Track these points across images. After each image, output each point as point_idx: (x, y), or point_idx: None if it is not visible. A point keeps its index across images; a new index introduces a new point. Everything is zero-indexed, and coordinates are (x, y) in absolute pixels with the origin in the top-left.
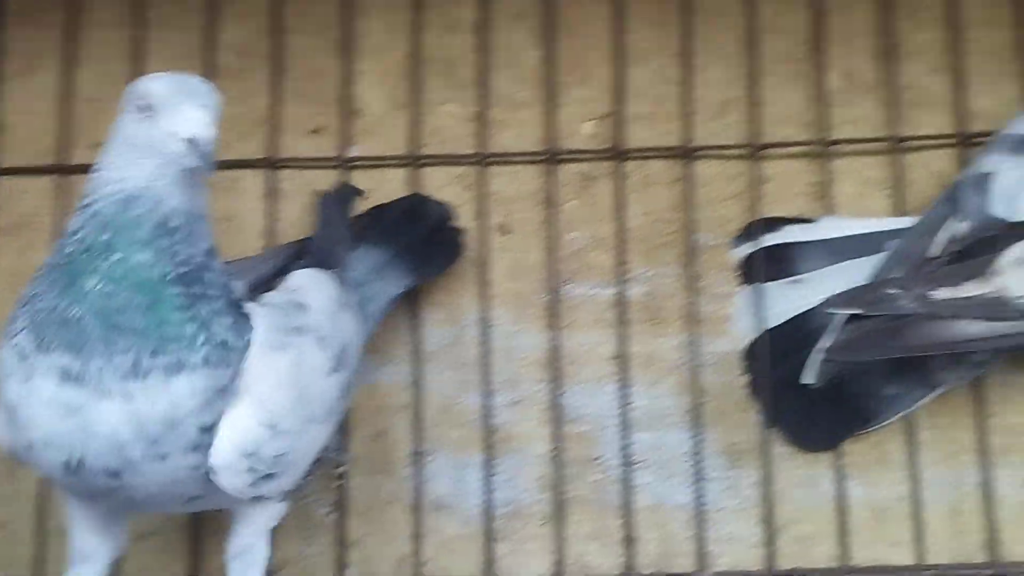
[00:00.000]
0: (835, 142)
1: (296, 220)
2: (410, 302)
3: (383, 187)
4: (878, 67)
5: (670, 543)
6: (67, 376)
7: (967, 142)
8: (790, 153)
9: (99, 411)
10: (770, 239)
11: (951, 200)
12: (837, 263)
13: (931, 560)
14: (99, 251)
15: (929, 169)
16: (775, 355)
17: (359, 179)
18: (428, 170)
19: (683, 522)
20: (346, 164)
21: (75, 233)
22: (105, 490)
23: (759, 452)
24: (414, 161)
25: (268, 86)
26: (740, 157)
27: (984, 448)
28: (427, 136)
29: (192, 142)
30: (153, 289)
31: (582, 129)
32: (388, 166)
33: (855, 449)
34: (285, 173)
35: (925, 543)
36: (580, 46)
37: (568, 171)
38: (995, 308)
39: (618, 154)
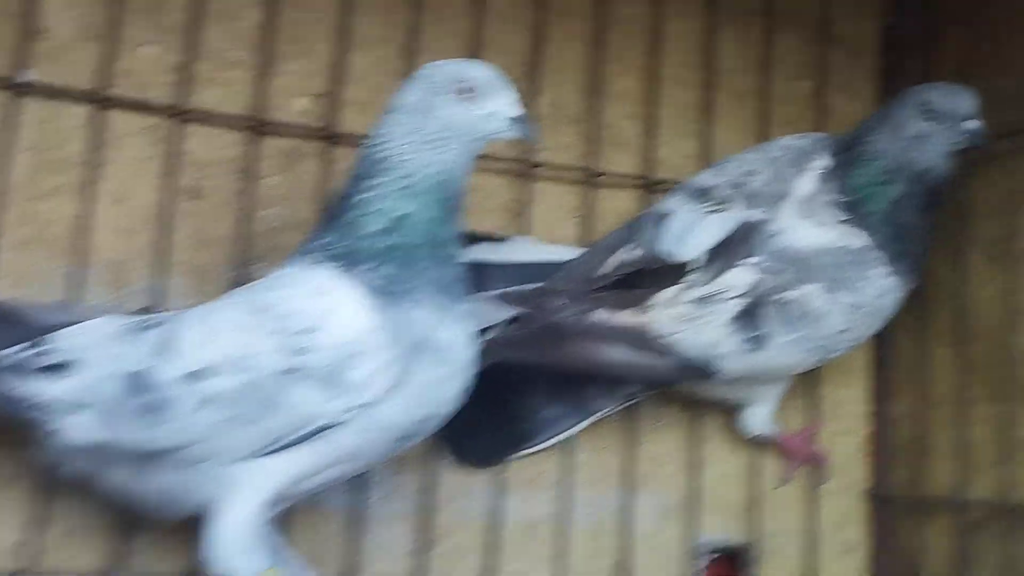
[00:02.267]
0: (538, 164)
1: None
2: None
3: (60, 121)
4: (584, 102)
5: (321, 546)
6: (469, 316)
7: (651, 186)
8: (495, 168)
9: (474, 336)
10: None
11: (632, 228)
12: (523, 284)
13: None
14: (444, 224)
15: (614, 205)
16: None
17: (32, 108)
18: (115, 113)
19: (338, 526)
20: (17, 88)
21: (415, 217)
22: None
23: (422, 462)
24: (100, 99)
25: None
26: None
27: (630, 474)
28: (118, 76)
29: (520, 119)
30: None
31: (295, 104)
32: (69, 99)
33: (514, 466)
34: None
35: (566, 561)
36: (304, 18)
37: (274, 144)
38: (642, 340)
39: (330, 136)
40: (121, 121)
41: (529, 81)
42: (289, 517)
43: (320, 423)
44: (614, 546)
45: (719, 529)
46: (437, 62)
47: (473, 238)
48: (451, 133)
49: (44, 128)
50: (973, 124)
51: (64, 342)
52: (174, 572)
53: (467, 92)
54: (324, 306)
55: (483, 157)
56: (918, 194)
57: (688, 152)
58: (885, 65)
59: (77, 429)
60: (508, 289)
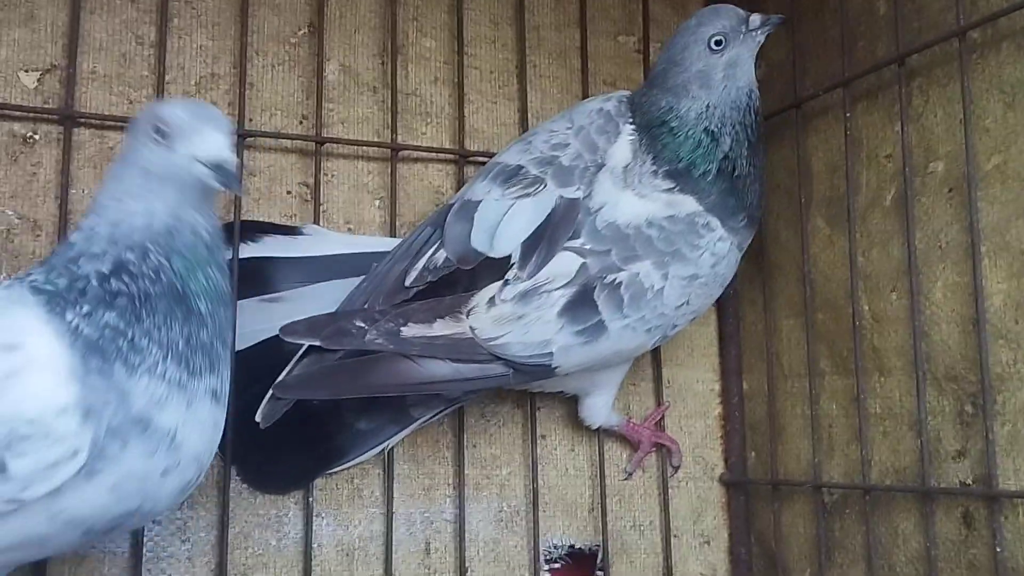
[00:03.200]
0: (330, 140)
1: None
2: None
3: None
4: (380, 67)
5: None
6: (215, 397)
7: (465, 159)
8: (281, 146)
9: (221, 422)
10: (248, 250)
11: (436, 225)
12: (322, 282)
13: None
14: (187, 277)
15: (423, 182)
16: (241, 383)
17: None
18: None
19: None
20: None
21: (140, 263)
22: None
23: (216, 491)
24: None
25: None
26: None
27: (460, 482)
28: None
29: (217, 166)
30: (229, 301)
31: (22, 80)
32: None
33: (327, 485)
34: None
35: None
36: None
37: None
38: (464, 350)
39: (68, 117)
40: None
41: (313, 46)
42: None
43: None
44: (450, 561)
45: (565, 531)
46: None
47: (260, 229)
48: (151, 182)
49: None
50: (756, 19)
51: None
52: None
53: (163, 134)
54: (8, 366)
55: (268, 135)
56: (744, 137)
57: (504, 119)
58: None
59: None
60: (297, 320)
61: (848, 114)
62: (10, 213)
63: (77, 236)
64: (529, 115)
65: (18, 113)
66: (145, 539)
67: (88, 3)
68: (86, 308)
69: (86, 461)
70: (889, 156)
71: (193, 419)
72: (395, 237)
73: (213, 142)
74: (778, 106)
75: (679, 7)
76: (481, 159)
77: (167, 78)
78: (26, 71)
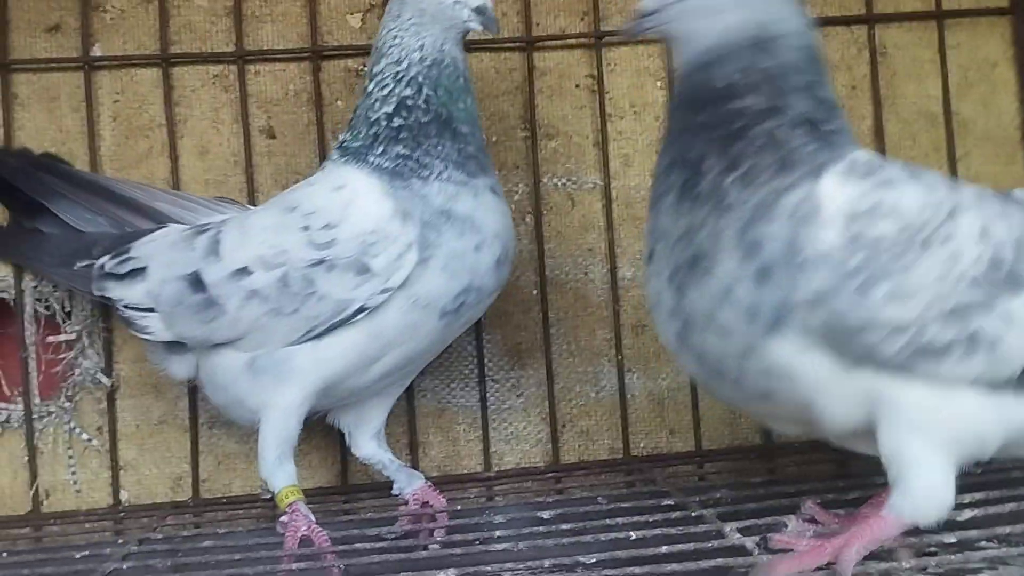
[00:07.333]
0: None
1: (37, 128)
2: None
3: (132, 88)
4: None
5: (455, 445)
6: (493, 191)
7: None
8: (566, 44)
9: (507, 211)
10: None
11: None
12: None
13: (707, 446)
14: (451, 105)
15: None
16: None
17: (106, 80)
18: (181, 69)
19: (468, 424)
20: (90, 64)
21: (416, 98)
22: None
23: (541, 352)
24: (165, 60)
25: None
26: (514, 49)
27: None
28: (176, 33)
29: (481, 10)
30: (481, 125)
31: (348, 22)
32: (136, 65)
33: (634, 344)
34: (21, 77)
35: (702, 431)
36: None
37: (335, 67)
38: None
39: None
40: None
41: None
42: (415, 419)
43: (355, 307)
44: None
45: None
46: None
47: None
48: (424, 19)
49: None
50: None
51: (137, 250)
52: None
53: None
54: (342, 200)
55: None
56: None
57: None
58: None
59: (152, 329)
60: None
61: None
62: None
63: (372, 84)
64: None
65: (349, 51)
66: (488, 395)
67: None
68: (380, 149)
69: (418, 251)
70: None
71: (482, 206)
72: None
73: None
74: None
75: None
76: None
77: None
78: (351, 13)
